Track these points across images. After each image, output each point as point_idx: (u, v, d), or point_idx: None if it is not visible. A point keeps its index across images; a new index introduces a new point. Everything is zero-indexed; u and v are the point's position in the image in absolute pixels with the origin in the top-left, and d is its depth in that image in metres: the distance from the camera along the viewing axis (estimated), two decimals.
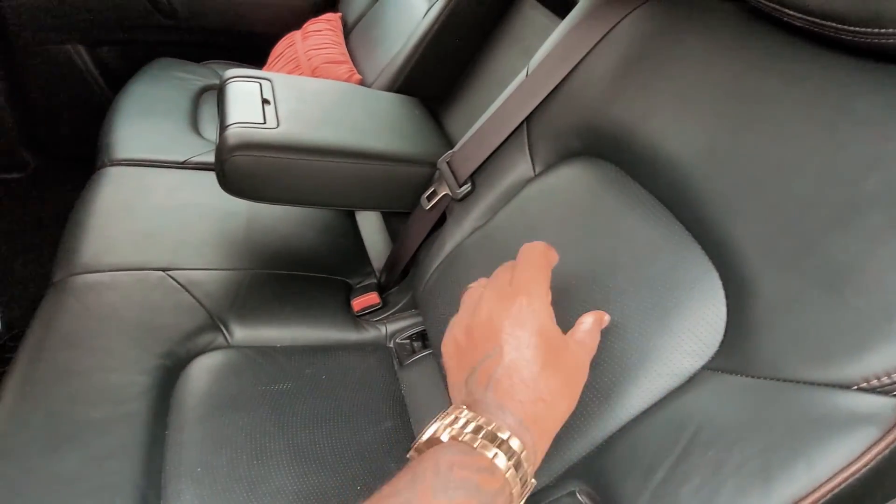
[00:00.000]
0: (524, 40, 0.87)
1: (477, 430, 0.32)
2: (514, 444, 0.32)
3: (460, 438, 0.32)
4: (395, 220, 0.88)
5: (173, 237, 0.77)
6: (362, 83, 1.05)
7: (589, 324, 0.41)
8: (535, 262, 0.40)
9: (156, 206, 0.82)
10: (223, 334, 0.67)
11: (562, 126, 0.61)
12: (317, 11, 1.34)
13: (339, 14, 1.28)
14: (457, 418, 0.33)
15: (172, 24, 1.33)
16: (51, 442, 0.52)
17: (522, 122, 0.64)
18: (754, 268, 0.39)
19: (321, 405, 0.62)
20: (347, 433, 0.61)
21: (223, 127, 0.69)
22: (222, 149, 0.66)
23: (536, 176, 0.63)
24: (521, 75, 0.67)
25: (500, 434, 0.31)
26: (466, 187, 0.68)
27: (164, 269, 0.72)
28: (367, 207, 0.81)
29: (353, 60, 1.13)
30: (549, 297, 0.39)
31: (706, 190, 0.44)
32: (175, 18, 1.31)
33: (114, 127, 1.00)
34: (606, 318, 0.42)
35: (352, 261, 0.86)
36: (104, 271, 0.70)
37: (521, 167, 0.65)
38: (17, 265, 1.16)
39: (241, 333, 0.68)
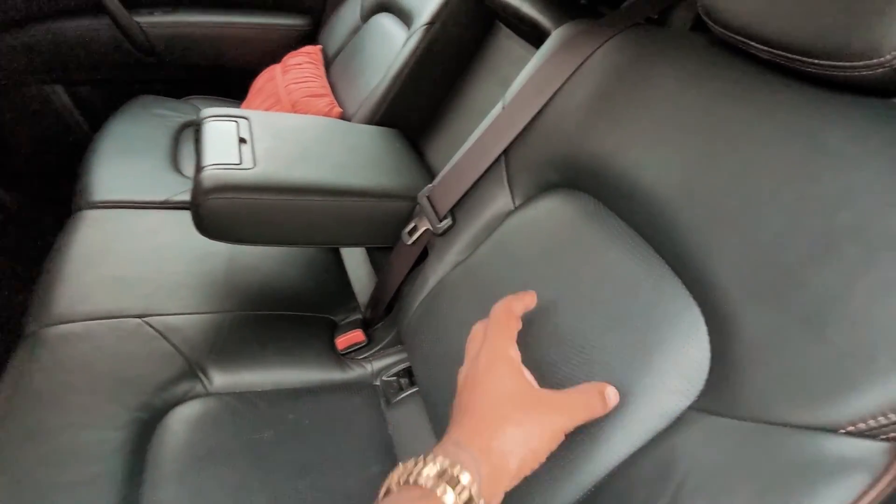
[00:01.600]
0: (501, 70, 0.88)
1: (440, 473, 0.32)
2: (465, 478, 0.32)
3: (417, 481, 0.32)
4: (378, 255, 0.87)
5: (150, 281, 0.75)
6: (343, 116, 1.05)
7: (586, 390, 0.41)
8: (502, 326, 0.42)
9: (133, 249, 0.81)
10: (202, 381, 0.65)
11: (539, 158, 0.61)
12: (297, 44, 1.35)
13: (319, 47, 1.28)
14: (418, 463, 0.34)
15: (152, 62, 1.33)
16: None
17: (500, 155, 0.64)
18: (734, 303, 0.38)
19: (305, 453, 0.60)
20: (333, 481, 0.59)
21: (198, 169, 0.68)
22: (197, 192, 0.65)
23: (516, 208, 0.63)
24: (498, 107, 0.67)
25: (452, 470, 0.32)
26: (447, 221, 0.67)
27: (139, 316, 0.70)
28: (348, 244, 0.80)
29: (333, 93, 1.13)
30: (518, 356, 0.41)
31: (682, 223, 0.43)
32: (154, 55, 1.31)
33: (91, 168, 0.99)
34: (610, 390, 0.41)
35: (336, 297, 0.85)
36: (78, 321, 0.68)
37: (500, 200, 0.64)
38: None
39: (221, 380, 0.67)
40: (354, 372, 0.74)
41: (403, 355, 0.77)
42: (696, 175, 0.44)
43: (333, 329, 0.79)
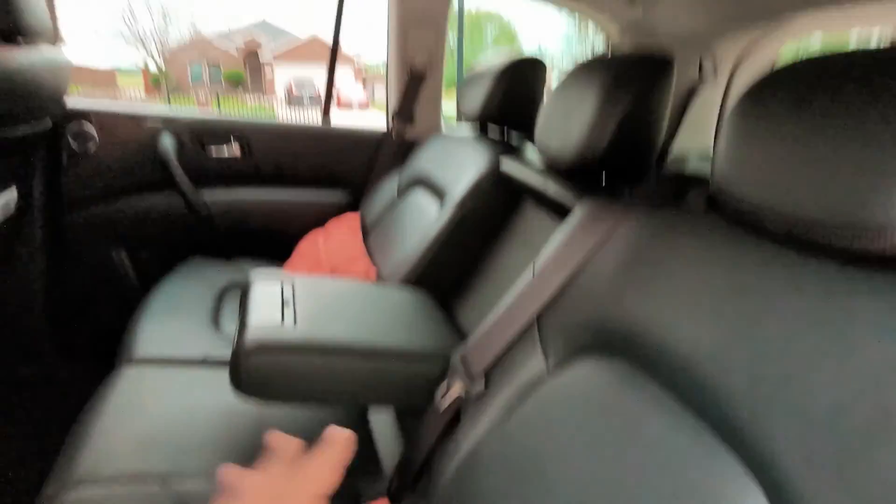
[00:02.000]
0: (528, 237, 0.95)
1: None
2: None
3: None
4: (408, 420, 0.85)
5: (178, 441, 0.74)
6: (378, 276, 1.11)
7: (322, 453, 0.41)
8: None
9: (165, 406, 0.81)
10: None
11: (572, 322, 0.62)
12: (339, 213, 1.49)
13: (359, 215, 1.42)
14: None
15: (206, 228, 1.47)
16: None
17: (533, 319, 0.66)
18: (795, 476, 0.36)
19: None
20: None
21: (242, 329, 0.71)
22: (239, 351, 0.67)
23: (551, 373, 0.63)
24: (528, 274, 0.71)
25: None
26: (480, 385, 0.67)
27: (162, 480, 0.67)
28: (381, 403, 0.78)
29: (371, 257, 1.21)
30: None
31: (724, 390, 0.43)
32: (210, 222, 1.46)
33: (137, 326, 1.04)
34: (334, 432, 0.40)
35: (362, 463, 0.81)
36: (100, 482, 0.65)
37: (534, 363, 0.64)
38: (21, 472, 1.10)
39: None
40: None
41: None
42: (731, 343, 0.44)
43: (357, 500, 0.74)
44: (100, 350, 1.39)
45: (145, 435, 0.75)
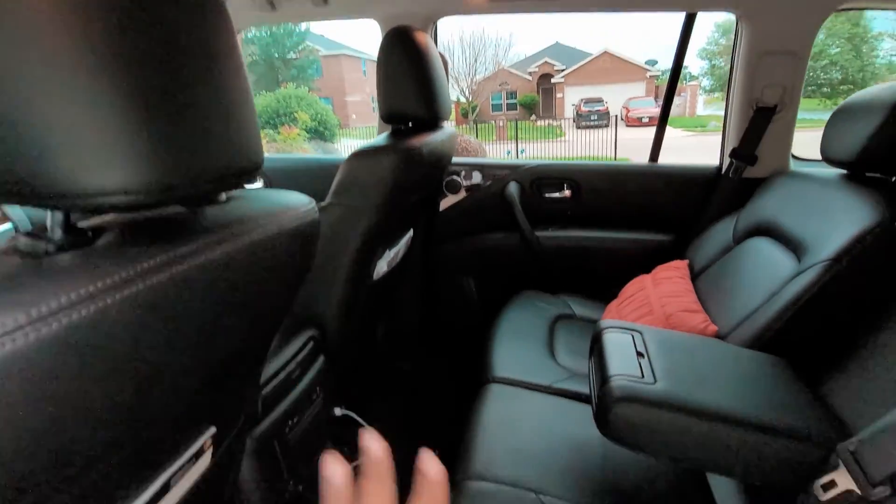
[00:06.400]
0: None
1: None
2: None
3: None
4: (762, 496, 0.81)
5: (541, 461, 0.88)
6: (717, 334, 1.07)
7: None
8: None
9: (527, 426, 0.97)
10: None
11: None
12: (662, 258, 1.49)
13: (687, 262, 1.39)
14: None
15: (538, 264, 1.67)
16: None
17: None
18: None
19: None
20: None
21: (606, 377, 0.80)
22: (607, 398, 0.76)
23: None
24: None
25: None
26: (883, 489, 0.59)
27: (535, 492, 0.81)
28: (738, 478, 0.77)
29: (703, 308, 1.18)
30: None
31: None
32: (541, 258, 1.65)
33: (493, 348, 1.27)
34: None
35: None
36: (491, 481, 0.83)
37: None
38: (401, 444, 1.46)
39: None
40: None
41: None
42: None
43: None
44: (454, 356, 1.74)
45: (517, 449, 0.91)
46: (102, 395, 0.36)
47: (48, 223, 0.36)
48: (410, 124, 1.26)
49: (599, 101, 17.53)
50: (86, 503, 0.44)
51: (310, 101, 11.56)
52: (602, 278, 1.57)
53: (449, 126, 1.41)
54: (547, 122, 18.65)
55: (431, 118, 1.23)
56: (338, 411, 1.21)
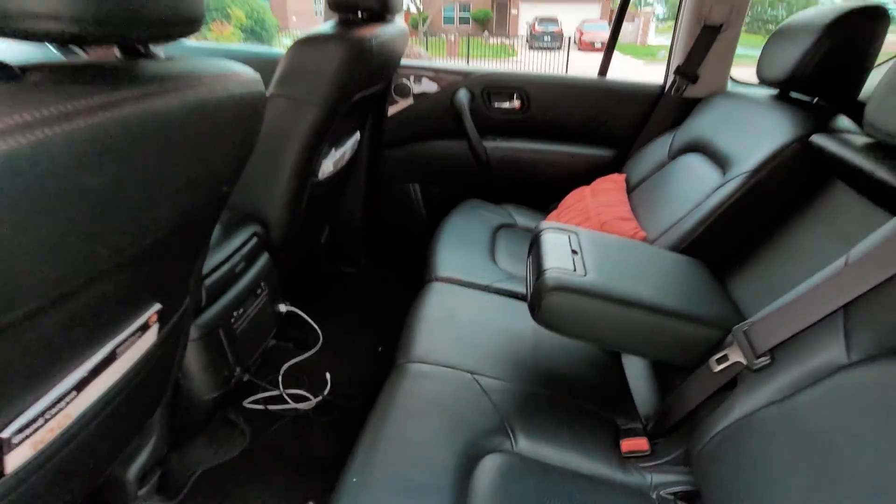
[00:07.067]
0: (835, 222, 0.87)
1: None
2: None
3: None
4: (668, 374, 0.92)
5: (478, 347, 0.95)
6: (645, 240, 1.16)
7: None
8: None
9: (465, 319, 1.03)
10: (510, 440, 0.79)
11: (888, 322, 0.60)
12: (602, 171, 1.55)
13: (624, 175, 1.45)
14: None
15: (483, 173, 1.69)
16: (387, 491, 0.68)
17: (840, 309, 0.65)
18: None
19: None
20: None
21: (541, 270, 0.85)
22: (541, 288, 0.82)
23: (851, 364, 0.62)
24: (840, 262, 0.68)
25: None
26: (765, 359, 0.70)
27: (471, 373, 0.89)
28: (656, 357, 0.87)
29: (635, 217, 1.26)
30: None
31: None
32: (487, 169, 1.67)
33: (435, 251, 1.31)
34: None
35: (618, 401, 0.92)
36: (431, 364, 0.90)
37: (832, 351, 0.64)
38: (346, 340, 1.52)
39: (525, 444, 0.79)
40: (633, 478, 0.79)
41: (685, 477, 0.78)
42: None
43: (616, 431, 0.86)
44: (398, 261, 1.77)
45: (455, 338, 0.97)
46: (50, 228, 0.35)
47: None
48: (360, 15, 1.19)
49: (554, 20, 17.00)
50: (31, 360, 0.45)
51: None
52: (546, 190, 1.62)
53: (400, 22, 1.35)
54: (500, 40, 18.00)
55: (382, 9, 1.17)
56: (283, 308, 1.23)
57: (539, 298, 0.82)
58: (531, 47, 16.71)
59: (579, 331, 0.82)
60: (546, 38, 16.41)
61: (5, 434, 0.46)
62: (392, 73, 1.44)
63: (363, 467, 0.71)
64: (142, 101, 0.38)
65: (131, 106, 0.37)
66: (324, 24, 1.18)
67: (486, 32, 19.65)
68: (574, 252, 0.91)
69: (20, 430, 0.47)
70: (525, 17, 19.49)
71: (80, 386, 0.53)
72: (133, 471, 0.89)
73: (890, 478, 0.49)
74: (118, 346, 0.59)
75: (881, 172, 0.76)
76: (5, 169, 0.30)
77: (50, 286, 0.39)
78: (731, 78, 1.50)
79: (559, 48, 14.43)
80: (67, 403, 0.52)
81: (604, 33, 16.19)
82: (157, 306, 0.64)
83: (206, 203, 0.62)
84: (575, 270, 0.85)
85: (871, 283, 0.63)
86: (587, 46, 15.67)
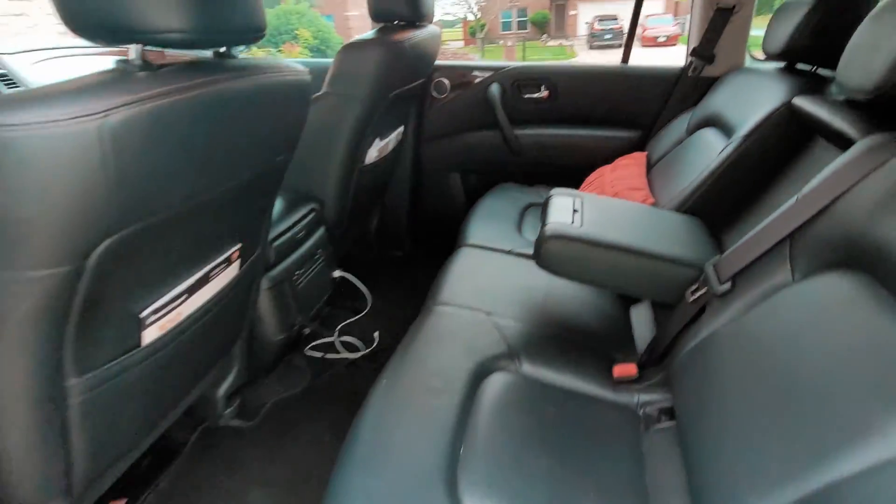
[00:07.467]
0: (813, 174, 0.96)
1: None
2: None
3: None
4: (662, 314, 1.04)
5: (495, 295, 1.11)
6: (655, 205, 1.27)
7: None
8: None
9: (487, 274, 1.20)
10: (515, 363, 0.95)
11: (823, 241, 0.71)
12: (628, 150, 1.66)
13: (646, 153, 1.56)
14: None
15: (516, 159, 1.84)
16: (410, 394, 0.85)
17: (787, 236, 0.76)
18: None
19: (571, 432, 0.81)
20: (588, 465, 0.77)
21: (544, 223, 1.01)
22: (542, 237, 0.98)
23: (795, 282, 0.73)
24: (793, 199, 0.79)
25: None
26: (727, 285, 0.81)
27: (487, 313, 1.05)
28: (640, 294, 0.99)
29: (651, 189, 1.37)
30: None
31: None
32: (519, 154, 1.83)
33: (468, 225, 1.48)
34: None
35: (619, 342, 1.05)
36: (453, 305, 1.07)
37: (780, 274, 0.75)
38: (393, 306, 1.73)
39: (527, 367, 0.94)
40: (622, 397, 0.92)
41: (666, 395, 0.90)
42: None
43: (612, 362, 0.99)
44: (441, 245, 1.96)
45: (478, 287, 1.14)
46: (176, 160, 0.57)
47: (130, 54, 0.55)
48: (397, 22, 1.40)
49: (614, 18, 16.69)
50: (178, 250, 0.68)
51: (311, 17, 11.21)
52: (577, 172, 1.75)
53: (434, 27, 1.54)
54: (559, 41, 17.87)
55: (415, 17, 1.37)
56: (337, 273, 1.45)
57: (540, 245, 0.98)
58: (591, 47, 16.47)
59: (575, 273, 0.97)
60: (606, 37, 16.14)
61: (144, 314, 0.69)
62: (427, 70, 1.63)
63: (392, 374, 0.89)
64: (227, 82, 0.60)
65: (221, 84, 0.59)
66: (368, 32, 1.39)
67: (544, 35, 19.59)
68: (575, 211, 1.06)
69: (153, 313, 0.70)
70: (585, 16, 19.24)
71: (190, 290, 0.75)
72: (221, 391, 1.14)
73: (824, 379, 0.58)
74: (212, 269, 0.81)
75: (838, 123, 0.86)
76: (151, 119, 0.51)
77: (182, 198, 0.61)
78: (750, 56, 1.57)
79: (620, 45, 14.14)
80: (181, 303, 0.75)
81: (669, 27, 15.71)
82: (239, 244, 0.87)
83: (267, 169, 0.83)
84: (573, 224, 1.00)
85: (812, 211, 0.74)
86: (650, 41, 15.19)
